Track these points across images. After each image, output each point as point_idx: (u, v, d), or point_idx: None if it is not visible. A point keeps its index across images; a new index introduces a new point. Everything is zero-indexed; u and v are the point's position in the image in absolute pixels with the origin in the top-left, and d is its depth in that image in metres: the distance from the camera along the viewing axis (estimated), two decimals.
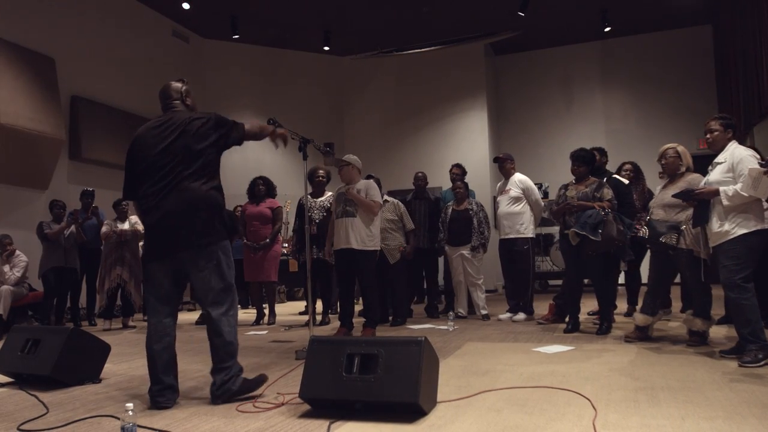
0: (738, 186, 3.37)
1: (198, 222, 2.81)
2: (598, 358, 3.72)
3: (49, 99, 7.40)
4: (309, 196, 5.73)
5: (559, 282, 8.06)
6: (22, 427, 2.51)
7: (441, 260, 6.61)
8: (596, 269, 4.79)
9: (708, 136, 3.69)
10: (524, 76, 11.67)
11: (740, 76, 8.59)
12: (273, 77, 11.06)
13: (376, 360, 2.51)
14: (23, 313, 6.58)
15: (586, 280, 5.36)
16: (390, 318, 5.96)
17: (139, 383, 3.37)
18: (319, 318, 6.21)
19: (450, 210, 6.16)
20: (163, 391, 2.80)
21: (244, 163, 9.51)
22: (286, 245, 8.25)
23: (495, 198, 6.52)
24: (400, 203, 6.04)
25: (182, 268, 2.87)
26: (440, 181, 9.23)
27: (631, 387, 2.89)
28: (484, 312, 6.02)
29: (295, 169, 10.23)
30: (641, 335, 4.32)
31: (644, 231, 4.14)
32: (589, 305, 5.84)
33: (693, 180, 4.00)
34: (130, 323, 6.69)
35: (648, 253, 4.59)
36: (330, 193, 5.95)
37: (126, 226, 6.53)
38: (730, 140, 3.61)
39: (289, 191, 8.82)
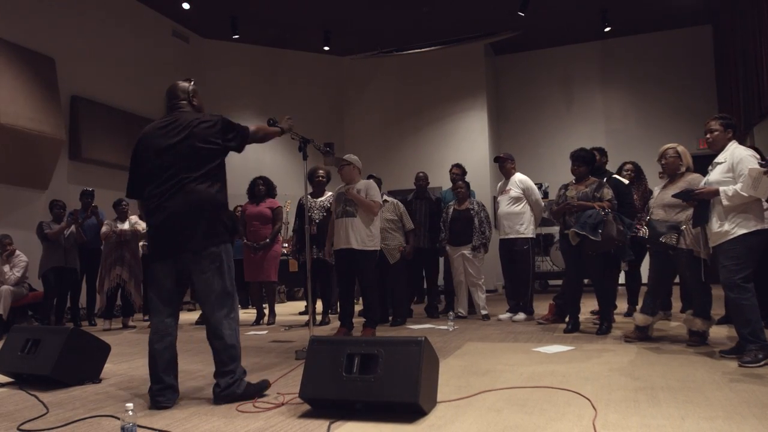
0: (738, 186, 3.37)
1: (203, 224, 2.82)
2: (598, 358, 3.72)
3: (49, 99, 7.40)
4: (309, 196, 5.73)
5: (559, 282, 8.07)
6: (22, 427, 2.51)
7: (441, 260, 6.61)
8: (596, 269, 4.79)
9: (708, 136, 3.69)
10: (524, 76, 11.67)
11: (740, 76, 8.59)
12: (273, 77, 11.06)
13: (376, 360, 2.51)
14: (23, 313, 6.58)
15: (586, 280, 5.36)
16: (390, 318, 5.96)
17: (139, 383, 3.37)
18: (319, 318, 6.21)
19: (451, 210, 6.16)
20: (163, 391, 2.80)
21: (244, 163, 9.49)
22: (286, 245, 8.25)
23: (495, 198, 6.51)
24: (399, 203, 6.04)
25: (185, 269, 2.88)
26: (440, 181, 9.23)
27: (631, 387, 2.89)
28: (484, 312, 6.02)
29: (295, 169, 10.23)
30: (641, 335, 4.32)
31: (644, 231, 4.14)
32: (589, 305, 5.84)
33: (693, 180, 4.00)
34: (130, 323, 6.69)
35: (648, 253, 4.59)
36: (330, 193, 5.94)
37: (126, 226, 6.53)
38: (730, 140, 3.61)
39: (289, 191, 8.82)
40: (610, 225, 4.50)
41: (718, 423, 2.26)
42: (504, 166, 6.01)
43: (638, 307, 4.82)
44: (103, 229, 6.50)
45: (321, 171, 6.05)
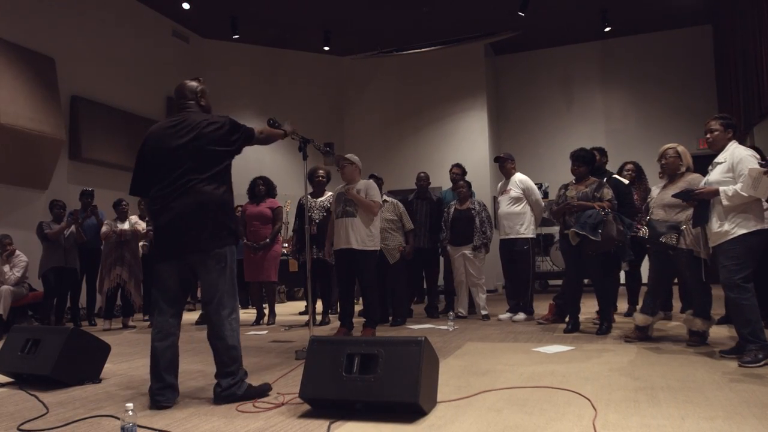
0: (738, 186, 3.37)
1: (209, 225, 2.83)
2: (598, 358, 3.72)
3: (49, 99, 7.40)
4: (309, 196, 5.73)
5: (559, 282, 8.07)
6: (22, 427, 2.51)
7: (441, 260, 6.61)
8: (596, 269, 4.79)
9: (708, 136, 3.69)
10: (524, 76, 11.68)
11: (740, 76, 8.59)
12: (273, 77, 11.06)
13: (376, 360, 2.51)
14: (23, 313, 6.58)
15: (586, 280, 5.36)
16: (390, 318, 5.96)
17: (139, 383, 3.36)
18: (319, 318, 6.21)
19: (452, 209, 6.16)
20: (163, 390, 2.80)
21: (244, 163, 9.41)
22: (286, 245, 8.25)
23: (495, 198, 6.51)
24: (399, 203, 6.03)
25: (190, 268, 2.90)
26: (440, 181, 9.23)
27: (631, 387, 2.89)
28: (484, 312, 6.02)
29: (295, 169, 10.23)
30: (641, 335, 4.32)
31: (644, 231, 4.14)
32: (589, 305, 5.84)
33: (693, 180, 4.00)
34: (130, 323, 6.69)
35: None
36: (330, 193, 5.94)
37: (126, 226, 6.53)
38: (730, 140, 3.61)
39: (289, 191, 8.81)
40: (610, 225, 4.50)
41: (718, 423, 2.26)
42: (504, 166, 6.01)
43: (638, 307, 4.82)
44: (103, 229, 6.50)
45: (321, 171, 6.05)
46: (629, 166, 5.74)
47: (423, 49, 10.68)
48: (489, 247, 6.09)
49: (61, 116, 7.55)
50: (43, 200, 7.32)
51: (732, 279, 3.42)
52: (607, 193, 4.76)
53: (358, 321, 5.20)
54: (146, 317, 7.01)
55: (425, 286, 6.86)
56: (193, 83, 3.08)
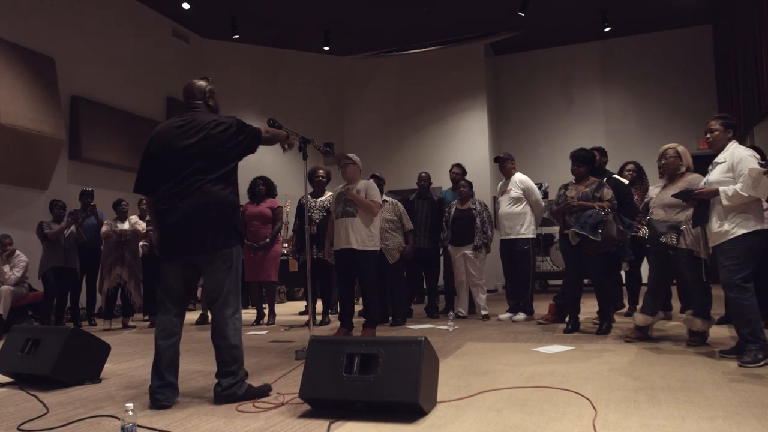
0: (738, 186, 3.37)
1: (216, 226, 2.83)
2: (598, 358, 3.72)
3: (49, 99, 7.40)
4: (309, 196, 5.73)
5: (559, 282, 8.06)
6: (22, 427, 2.51)
7: (441, 260, 6.61)
8: (596, 269, 4.79)
9: (708, 135, 3.69)
10: (524, 76, 11.68)
11: (740, 76, 8.59)
12: (273, 77, 11.06)
13: (376, 360, 2.51)
14: (23, 313, 6.58)
15: (586, 280, 5.36)
16: (390, 318, 5.96)
17: (139, 383, 3.36)
18: (319, 318, 6.21)
19: (453, 209, 6.16)
20: (163, 389, 2.80)
21: (244, 163, 9.32)
22: (286, 245, 8.25)
23: (495, 198, 6.51)
24: (398, 203, 6.03)
25: (195, 268, 2.91)
26: (440, 181, 9.22)
27: (631, 387, 2.89)
28: (484, 312, 6.02)
29: (295, 169, 10.22)
30: (641, 335, 4.32)
31: (644, 231, 4.14)
32: (589, 305, 5.83)
33: (693, 180, 4.00)
34: (130, 323, 6.69)
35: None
36: (330, 193, 5.94)
37: (126, 226, 6.53)
38: (730, 140, 3.61)
39: (289, 191, 8.81)
40: (610, 225, 4.50)
41: (718, 423, 2.26)
42: (504, 166, 6.01)
43: (638, 307, 4.82)
44: (103, 229, 6.50)
45: (321, 171, 6.05)
46: (630, 166, 5.74)
47: (423, 49, 10.68)
48: (490, 247, 6.09)
49: (61, 116, 7.56)
50: (43, 200, 7.32)
51: (732, 279, 3.42)
52: (607, 193, 4.77)
53: (358, 321, 5.20)
54: (146, 317, 7.01)
55: (425, 286, 6.86)
56: (202, 83, 3.07)
